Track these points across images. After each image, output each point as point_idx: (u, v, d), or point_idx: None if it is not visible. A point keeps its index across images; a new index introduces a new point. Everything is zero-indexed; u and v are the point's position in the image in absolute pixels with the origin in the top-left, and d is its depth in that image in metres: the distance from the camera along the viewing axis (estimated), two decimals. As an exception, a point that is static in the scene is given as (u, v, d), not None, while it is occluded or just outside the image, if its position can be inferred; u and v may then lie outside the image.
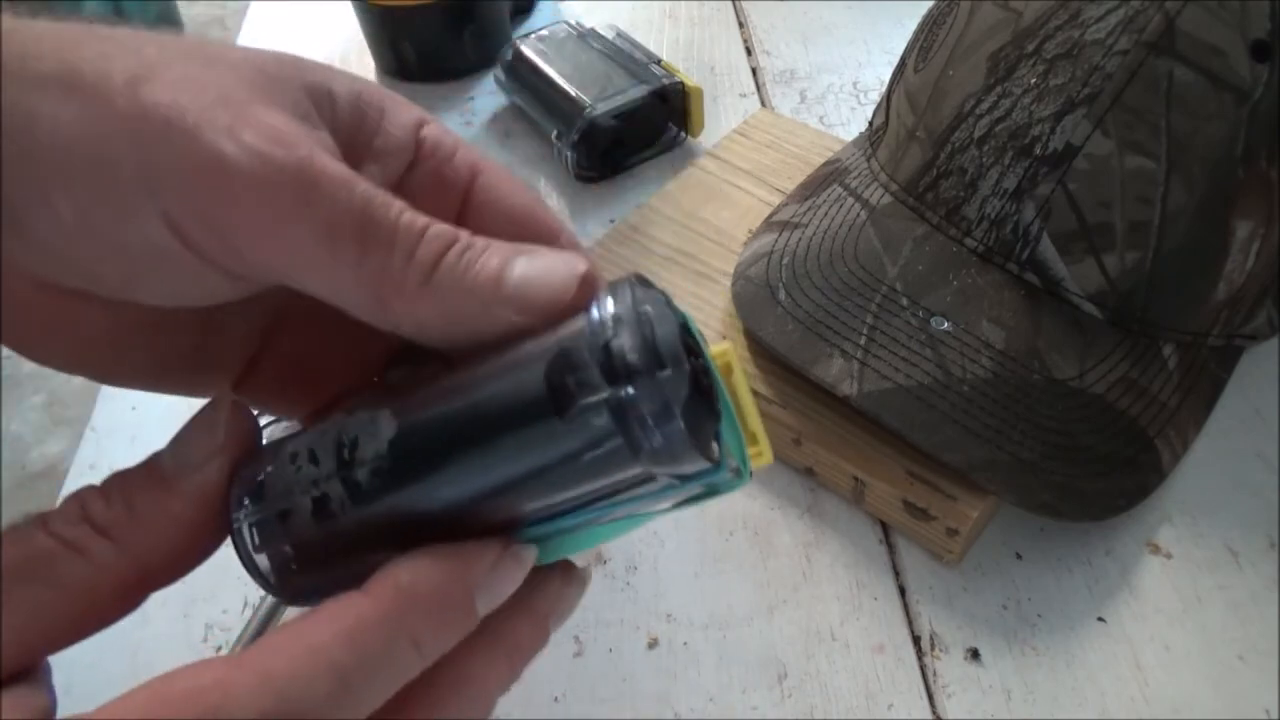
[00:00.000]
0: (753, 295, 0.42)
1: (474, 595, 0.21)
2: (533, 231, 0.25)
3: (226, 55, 0.22)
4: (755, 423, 0.22)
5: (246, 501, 0.22)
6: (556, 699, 0.36)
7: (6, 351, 0.24)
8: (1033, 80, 0.39)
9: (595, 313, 0.20)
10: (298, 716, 0.18)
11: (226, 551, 0.25)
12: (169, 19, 2.28)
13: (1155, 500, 0.40)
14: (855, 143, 0.50)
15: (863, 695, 0.36)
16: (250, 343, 0.26)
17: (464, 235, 0.21)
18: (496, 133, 0.63)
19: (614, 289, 0.21)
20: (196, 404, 0.24)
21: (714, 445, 0.21)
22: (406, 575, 0.20)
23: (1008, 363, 0.38)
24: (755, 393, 0.42)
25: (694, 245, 0.48)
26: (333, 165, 0.20)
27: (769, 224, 0.47)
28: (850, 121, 0.61)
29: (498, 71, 0.63)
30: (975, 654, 0.37)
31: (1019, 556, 0.39)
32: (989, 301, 0.40)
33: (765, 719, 0.36)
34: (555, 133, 0.57)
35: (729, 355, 0.22)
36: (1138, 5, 0.37)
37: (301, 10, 0.76)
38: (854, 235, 0.43)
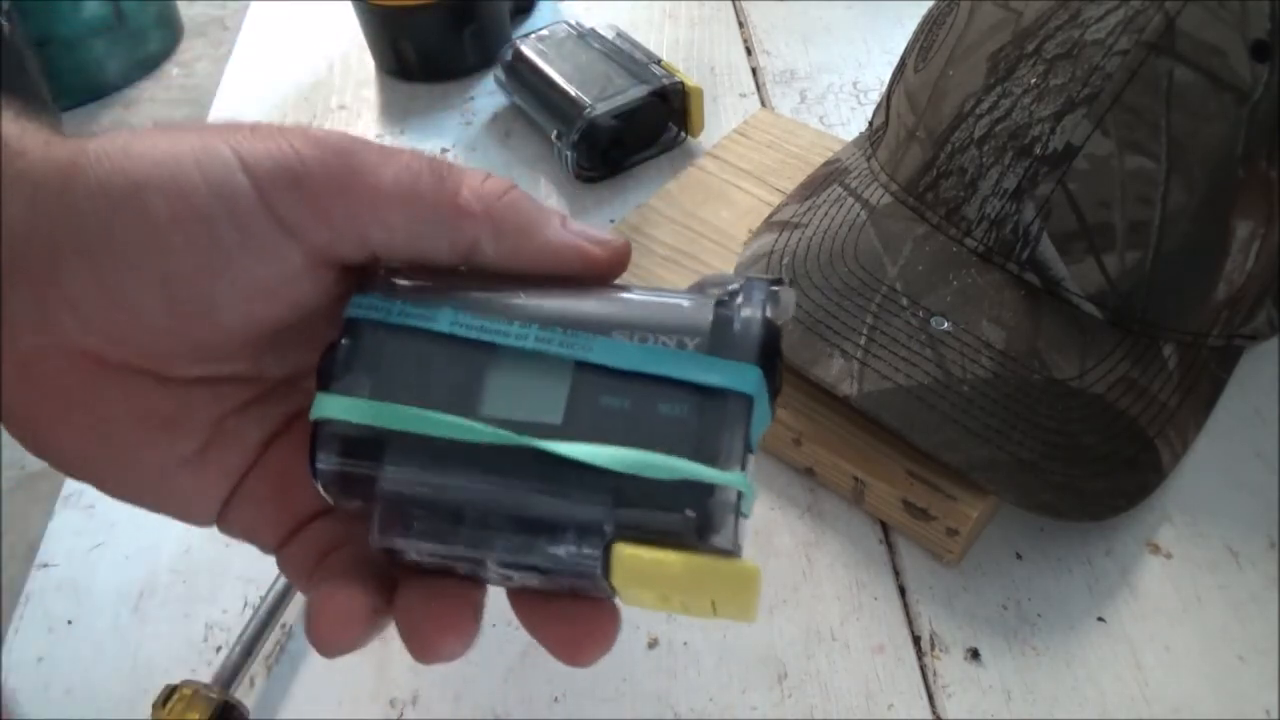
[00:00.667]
0: (753, 295, 0.42)
1: None
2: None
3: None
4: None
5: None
6: (556, 699, 0.36)
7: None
8: (1033, 80, 0.39)
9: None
10: None
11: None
12: (169, 19, 2.28)
13: (1155, 500, 0.40)
14: (855, 143, 0.50)
15: (863, 695, 0.36)
16: (248, 455, 0.26)
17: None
18: (496, 133, 0.63)
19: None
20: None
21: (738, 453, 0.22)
22: None
23: (1008, 363, 0.38)
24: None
25: (694, 245, 0.48)
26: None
27: (769, 224, 0.47)
28: (850, 121, 0.61)
29: (498, 71, 0.63)
30: (975, 654, 0.37)
31: (1019, 556, 0.39)
32: (989, 301, 0.40)
33: (765, 719, 0.36)
34: (555, 133, 0.57)
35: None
36: (1138, 5, 0.37)
37: (301, 10, 0.76)
38: (854, 235, 0.43)
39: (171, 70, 2.25)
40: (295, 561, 0.26)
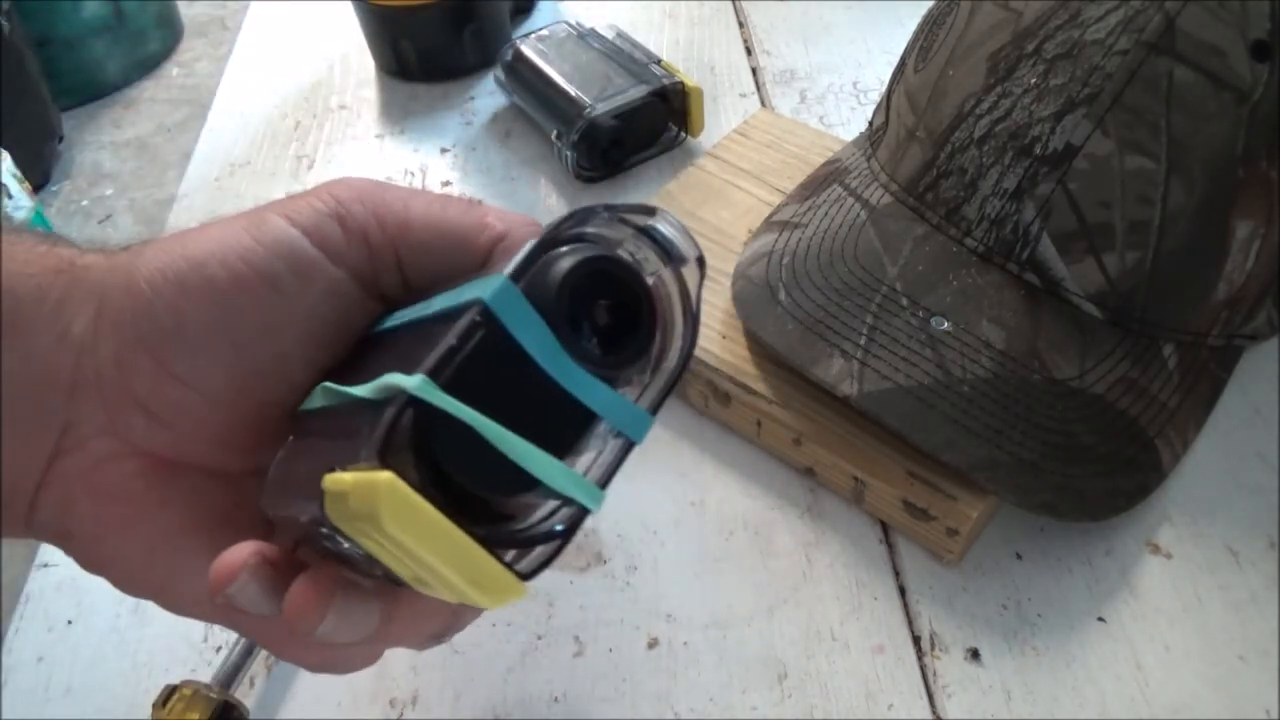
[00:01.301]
0: (753, 295, 0.42)
1: None
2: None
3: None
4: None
5: None
6: (556, 699, 0.36)
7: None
8: (1033, 80, 0.39)
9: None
10: None
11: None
12: (169, 19, 2.28)
13: (1155, 500, 0.40)
14: (855, 143, 0.50)
15: (863, 695, 0.36)
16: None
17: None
18: (496, 133, 0.63)
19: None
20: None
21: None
22: None
23: (1008, 363, 0.38)
24: (755, 392, 0.42)
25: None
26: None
27: (769, 224, 0.47)
28: (850, 121, 0.61)
29: (498, 71, 0.63)
30: (975, 654, 0.37)
31: (1019, 556, 0.39)
32: (989, 301, 0.40)
33: (765, 719, 0.36)
34: (555, 133, 0.57)
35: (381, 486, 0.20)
36: (1138, 5, 0.37)
37: (301, 10, 0.76)
38: (854, 235, 0.43)
39: (171, 70, 2.25)
40: None
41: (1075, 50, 0.38)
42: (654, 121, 0.58)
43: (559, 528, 0.22)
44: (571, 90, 0.57)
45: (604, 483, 0.22)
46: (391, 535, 0.20)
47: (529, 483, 0.21)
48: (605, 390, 0.22)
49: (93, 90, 2.13)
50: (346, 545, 0.21)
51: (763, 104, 0.63)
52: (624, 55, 0.60)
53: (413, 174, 0.61)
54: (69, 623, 0.40)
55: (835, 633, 0.38)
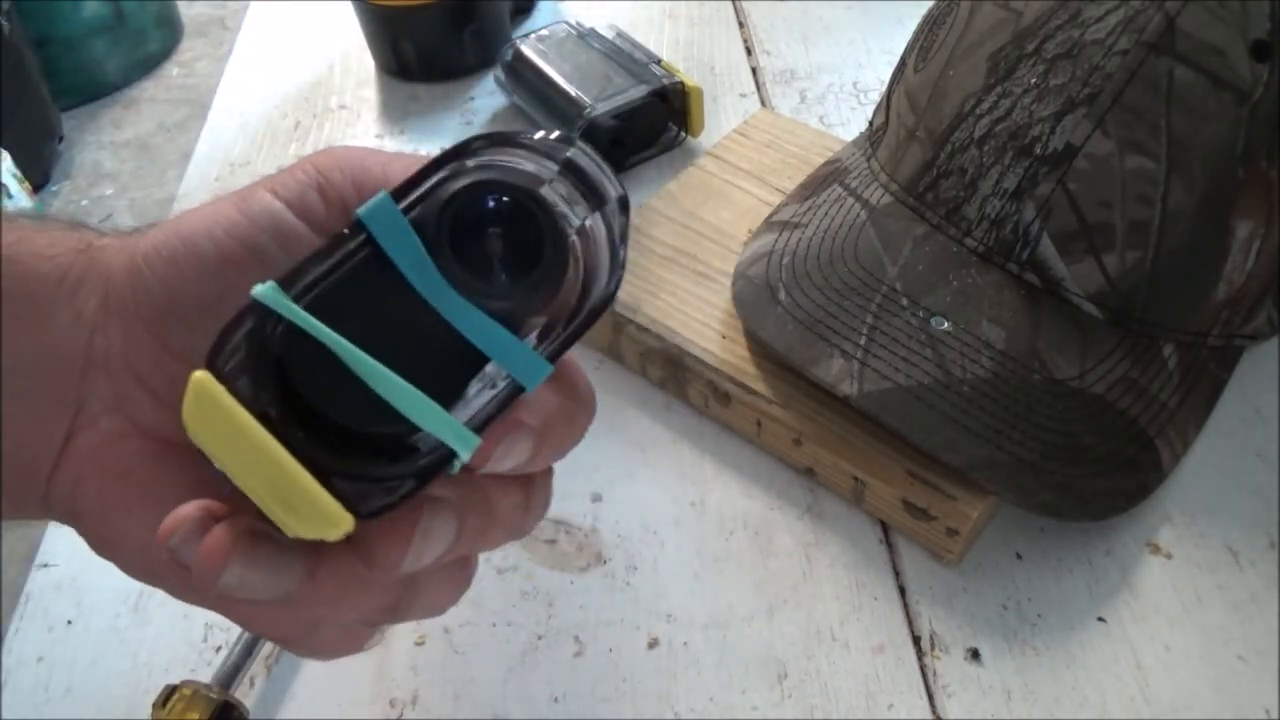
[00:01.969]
0: (753, 295, 0.42)
1: None
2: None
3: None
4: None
5: None
6: (556, 699, 0.36)
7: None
8: (1033, 80, 0.39)
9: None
10: None
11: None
12: (169, 19, 2.28)
13: (1155, 500, 0.40)
14: (855, 143, 0.50)
15: (863, 695, 0.36)
16: None
17: None
18: (496, 133, 0.63)
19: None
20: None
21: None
22: None
23: (1008, 363, 0.38)
24: (755, 392, 0.42)
25: (694, 245, 0.48)
26: None
27: (769, 224, 0.47)
28: (850, 121, 0.61)
29: (498, 71, 0.63)
30: (975, 654, 0.37)
31: (1019, 556, 0.39)
32: (989, 301, 0.40)
33: (765, 719, 0.36)
34: (555, 133, 0.57)
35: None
36: (1138, 5, 0.37)
37: (301, 10, 0.76)
38: (854, 235, 0.43)
39: (171, 70, 2.25)
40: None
41: (1075, 50, 0.38)
42: (654, 121, 0.58)
43: (415, 469, 0.20)
44: (571, 90, 0.57)
45: (478, 427, 0.21)
46: (195, 436, 0.19)
47: (393, 417, 0.19)
48: (494, 327, 0.20)
49: (93, 90, 2.13)
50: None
51: (763, 104, 0.63)
52: (624, 55, 0.60)
53: (413, 174, 0.61)
54: (69, 623, 0.40)
55: (835, 633, 0.38)
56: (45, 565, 0.42)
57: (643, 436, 0.45)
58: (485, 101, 0.66)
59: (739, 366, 0.43)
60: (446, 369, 0.20)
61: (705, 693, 0.36)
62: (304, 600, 0.22)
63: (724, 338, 0.44)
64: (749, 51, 0.68)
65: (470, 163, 0.21)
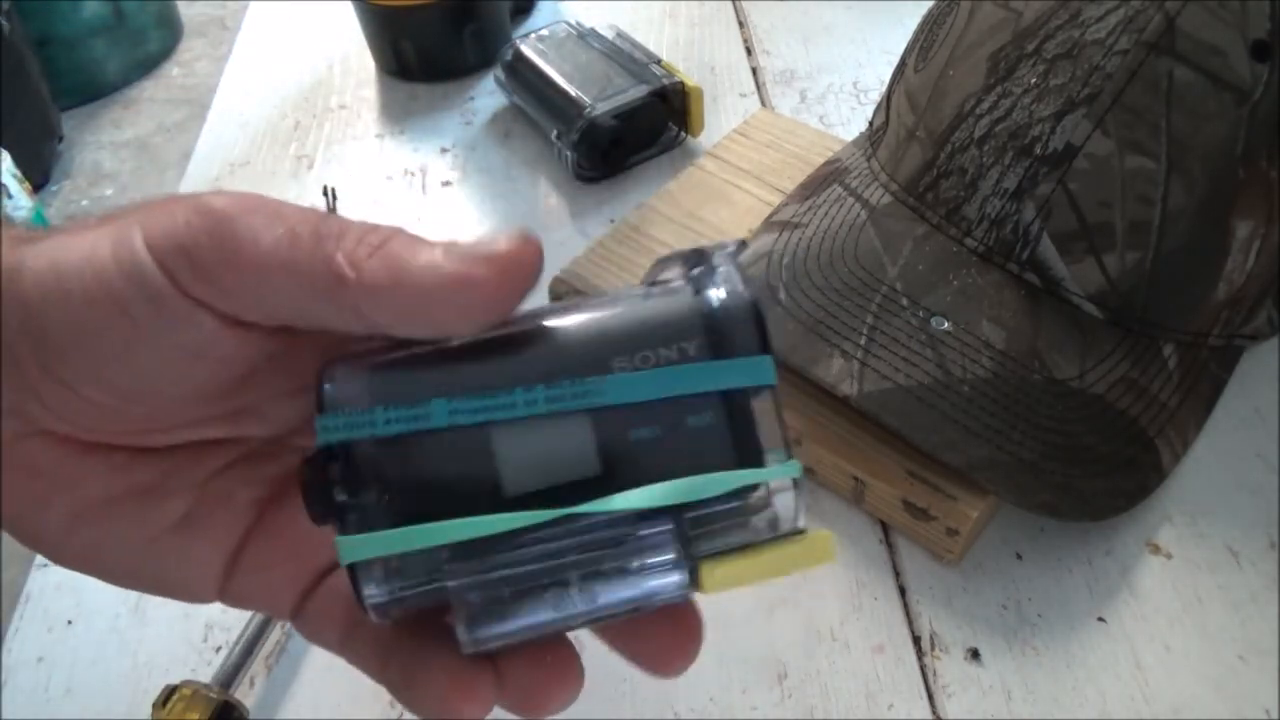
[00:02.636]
0: (753, 295, 0.42)
1: None
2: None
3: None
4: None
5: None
6: (556, 699, 0.36)
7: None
8: (1033, 80, 0.39)
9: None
10: None
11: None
12: (169, 19, 2.28)
13: (1155, 500, 0.40)
14: (855, 143, 0.50)
15: (863, 695, 0.36)
16: (240, 518, 0.26)
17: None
18: (496, 133, 0.63)
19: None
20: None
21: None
22: None
23: (1008, 363, 0.38)
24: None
25: (694, 245, 0.48)
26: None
27: (769, 224, 0.47)
28: (850, 121, 0.61)
29: (498, 71, 0.63)
30: (975, 654, 0.37)
31: (1019, 556, 0.39)
32: (989, 301, 0.40)
33: (765, 719, 0.36)
34: (555, 133, 0.57)
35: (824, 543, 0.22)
36: (1138, 5, 0.37)
37: (301, 10, 0.76)
38: (854, 235, 0.43)
39: (171, 70, 2.26)
40: (318, 624, 0.26)
41: (1075, 50, 0.38)
42: (654, 121, 0.58)
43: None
44: (571, 90, 0.57)
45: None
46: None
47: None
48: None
49: (93, 90, 2.13)
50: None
51: (763, 104, 0.63)
52: (624, 55, 0.60)
53: (413, 174, 0.61)
54: (69, 623, 0.40)
55: (835, 633, 0.38)
56: (45, 565, 0.42)
57: (643, 436, 0.45)
58: (485, 101, 0.66)
59: (739, 366, 0.43)
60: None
61: (705, 693, 0.36)
62: None
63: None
64: (749, 51, 0.68)
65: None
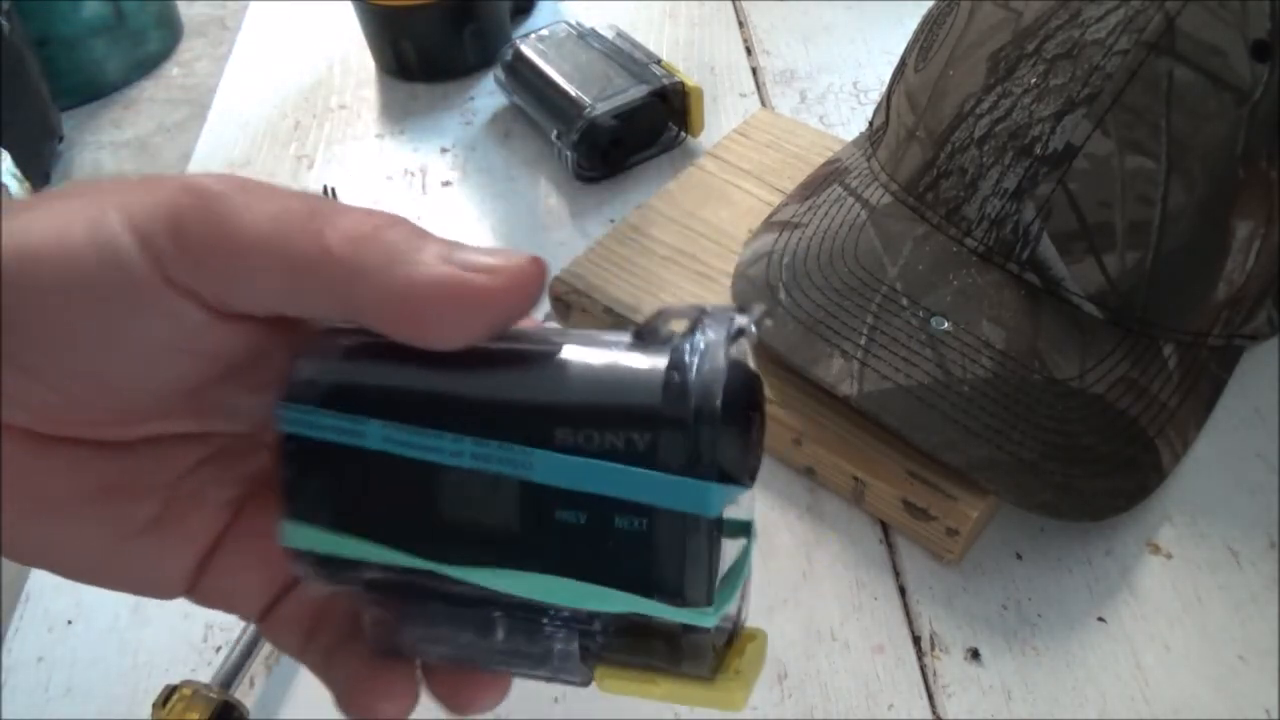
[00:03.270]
0: (753, 295, 0.42)
1: None
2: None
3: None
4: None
5: None
6: (556, 699, 0.36)
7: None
8: (1033, 80, 0.39)
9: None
10: None
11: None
12: (169, 19, 2.28)
13: (1155, 500, 0.40)
14: (855, 143, 0.50)
15: (863, 695, 0.36)
16: (213, 519, 0.25)
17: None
18: (496, 133, 0.63)
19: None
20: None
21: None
22: None
23: (1008, 363, 0.38)
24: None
25: (694, 245, 0.48)
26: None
27: (769, 224, 0.47)
28: (850, 121, 0.61)
29: (498, 71, 0.63)
30: (975, 654, 0.37)
31: (1019, 556, 0.39)
32: (989, 301, 0.40)
33: (765, 719, 0.36)
34: (555, 133, 0.57)
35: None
36: (1138, 5, 0.37)
37: (301, 10, 0.76)
38: (854, 235, 0.43)
39: (171, 70, 2.26)
40: (283, 629, 0.26)
41: (1075, 50, 0.38)
42: (654, 121, 0.58)
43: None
44: (571, 90, 0.57)
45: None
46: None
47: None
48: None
49: (93, 90, 2.13)
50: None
51: (763, 104, 0.63)
52: (624, 55, 0.60)
53: (413, 174, 0.61)
54: (69, 623, 0.40)
55: (835, 633, 0.38)
56: (45, 565, 0.42)
57: (643, 436, 0.45)
58: (485, 101, 0.66)
59: (739, 366, 0.43)
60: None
61: (705, 693, 0.36)
62: None
63: (724, 338, 0.44)
64: (749, 51, 0.68)
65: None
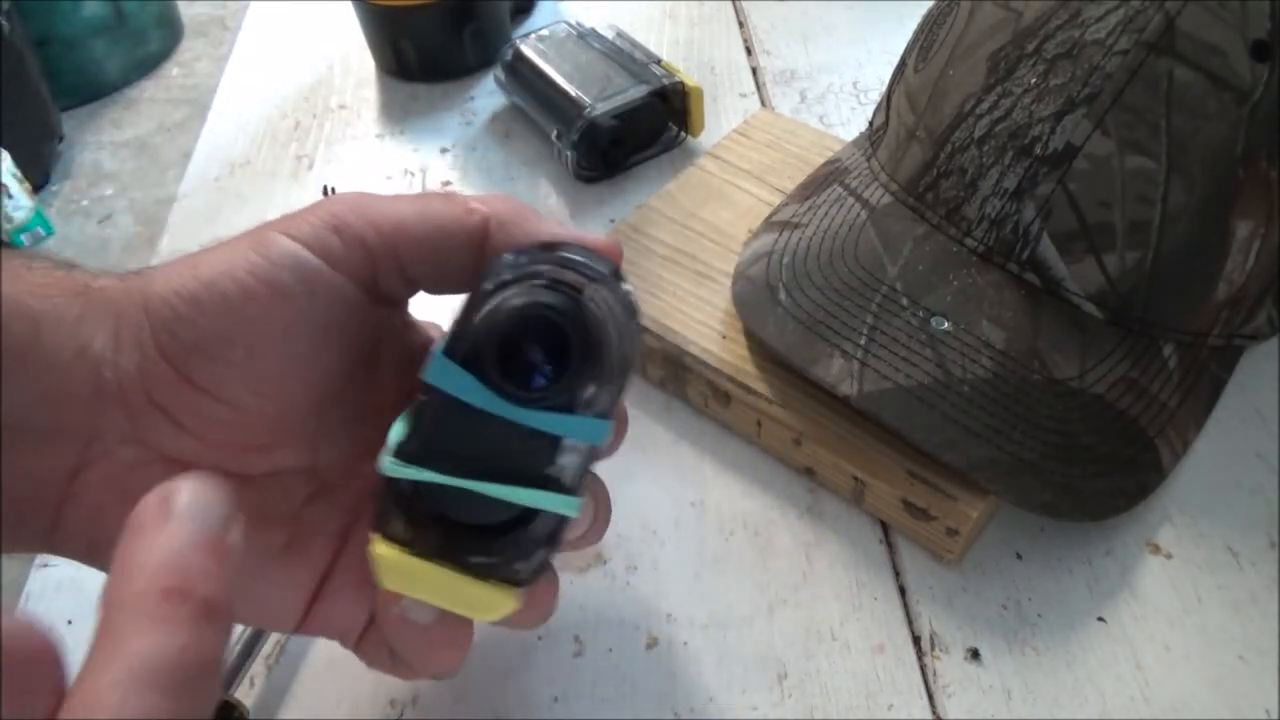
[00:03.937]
0: (753, 295, 0.42)
1: None
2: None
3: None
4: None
5: None
6: (556, 699, 0.36)
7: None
8: (1033, 80, 0.39)
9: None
10: None
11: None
12: (169, 19, 2.28)
13: (1155, 500, 0.40)
14: (855, 143, 0.50)
15: (863, 695, 0.36)
16: (329, 546, 0.29)
17: None
18: (496, 133, 0.63)
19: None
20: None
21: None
22: None
23: (1008, 363, 0.38)
24: (755, 392, 0.42)
25: (694, 245, 0.48)
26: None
27: (769, 224, 0.47)
28: (850, 121, 0.61)
29: (498, 71, 0.63)
30: (975, 654, 0.37)
31: (1019, 556, 0.39)
32: (989, 301, 0.40)
33: (765, 719, 0.36)
34: (555, 133, 0.57)
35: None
36: (1138, 5, 0.37)
37: (301, 10, 0.76)
38: (854, 235, 0.43)
39: (171, 70, 2.26)
40: (374, 649, 0.30)
41: (1075, 50, 0.38)
42: (654, 121, 0.58)
43: (543, 535, 0.26)
44: (571, 90, 0.57)
45: (574, 488, 0.26)
46: (392, 588, 0.26)
47: (511, 507, 0.25)
48: (553, 415, 0.25)
49: (93, 90, 2.13)
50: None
51: (763, 104, 0.63)
52: (624, 55, 0.60)
53: (413, 174, 0.61)
54: (69, 623, 0.40)
55: (835, 633, 0.38)
56: (45, 565, 0.42)
57: (642, 436, 0.45)
58: (485, 101, 0.66)
59: (739, 366, 0.43)
60: (534, 455, 0.26)
61: (705, 693, 0.36)
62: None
63: (724, 338, 0.44)
64: (749, 51, 0.68)
65: (490, 287, 0.26)
